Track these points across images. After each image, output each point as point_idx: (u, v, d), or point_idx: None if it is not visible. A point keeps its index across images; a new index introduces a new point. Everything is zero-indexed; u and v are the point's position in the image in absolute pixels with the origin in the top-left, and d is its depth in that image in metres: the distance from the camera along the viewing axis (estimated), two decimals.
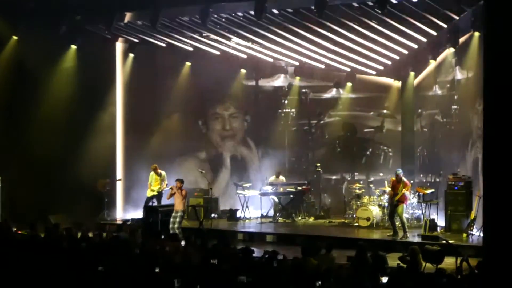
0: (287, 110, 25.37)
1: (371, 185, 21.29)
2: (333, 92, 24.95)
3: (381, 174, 23.42)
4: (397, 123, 23.91)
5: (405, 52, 20.95)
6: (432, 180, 21.51)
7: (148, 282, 9.34)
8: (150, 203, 20.57)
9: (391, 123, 24.17)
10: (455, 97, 20.10)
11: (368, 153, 24.32)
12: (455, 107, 20.21)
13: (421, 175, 22.47)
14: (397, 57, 21.49)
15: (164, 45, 23.06)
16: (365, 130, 24.61)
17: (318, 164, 23.65)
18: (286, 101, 25.30)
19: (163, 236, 15.92)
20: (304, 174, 24.55)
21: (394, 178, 18.45)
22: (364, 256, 11.93)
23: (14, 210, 20.14)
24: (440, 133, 21.41)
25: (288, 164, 25.07)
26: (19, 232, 16.46)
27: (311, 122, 25.09)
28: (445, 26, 18.60)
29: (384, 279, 9.78)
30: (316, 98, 25.16)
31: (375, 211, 20.23)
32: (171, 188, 18.67)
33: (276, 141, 24.99)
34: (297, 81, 24.93)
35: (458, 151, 19.81)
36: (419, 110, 22.75)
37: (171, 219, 18.42)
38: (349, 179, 24.21)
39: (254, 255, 12.62)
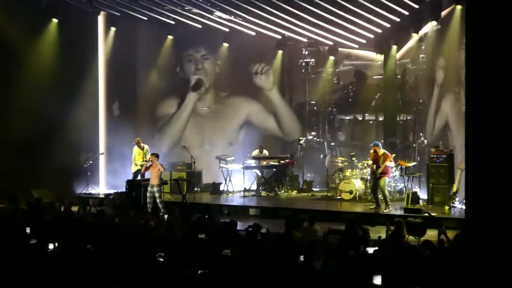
0: None
1: (354, 159, 21.26)
2: None
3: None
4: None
5: (387, 25, 20.92)
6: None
7: (132, 256, 9.30)
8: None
9: None
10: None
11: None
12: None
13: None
14: (379, 31, 21.44)
15: (145, 18, 22.91)
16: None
17: (301, 138, 23.60)
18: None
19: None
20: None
21: (372, 151, 18.42)
22: (354, 229, 11.97)
23: None
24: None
25: None
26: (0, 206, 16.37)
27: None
28: None
29: (370, 250, 9.81)
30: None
31: (358, 184, 20.26)
32: (150, 161, 18.52)
33: None
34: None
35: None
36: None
37: (148, 194, 18.25)
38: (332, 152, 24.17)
39: (237, 228, 12.61)
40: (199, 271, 8.45)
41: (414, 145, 22.16)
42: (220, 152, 23.67)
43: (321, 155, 23.81)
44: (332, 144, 24.34)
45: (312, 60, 24.35)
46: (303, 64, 24.45)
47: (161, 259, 9.31)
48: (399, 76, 22.49)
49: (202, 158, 23.79)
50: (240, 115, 24.96)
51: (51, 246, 10.15)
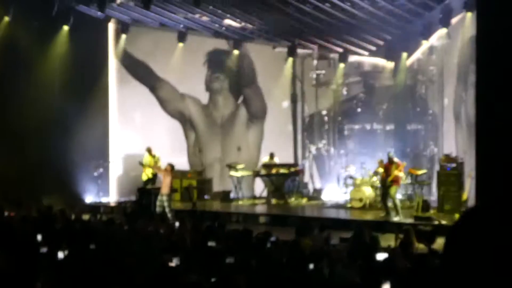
0: None
1: (364, 166, 21.26)
2: None
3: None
4: None
5: (397, 32, 20.95)
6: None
7: (142, 264, 9.36)
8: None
9: None
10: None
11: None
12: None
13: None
14: (389, 37, 21.47)
15: (157, 25, 23.03)
16: None
17: (311, 146, 23.64)
18: None
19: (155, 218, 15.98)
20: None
21: (381, 160, 18.44)
22: (362, 237, 11.97)
23: (6, 191, 20.09)
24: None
25: None
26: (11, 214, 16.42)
27: None
28: (437, 6, 18.60)
29: (379, 257, 9.83)
30: None
31: (368, 192, 20.26)
32: (163, 169, 18.65)
33: None
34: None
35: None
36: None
37: (157, 203, 18.30)
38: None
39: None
40: (210, 279, 8.49)
41: (425, 153, 22.13)
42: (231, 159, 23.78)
43: (331, 163, 23.83)
44: (342, 152, 24.33)
45: (323, 71, 24.32)
46: (313, 74, 24.47)
47: (172, 267, 9.36)
48: (409, 84, 22.51)
49: (213, 165, 23.88)
50: None
51: (61, 255, 10.21)
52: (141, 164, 20.62)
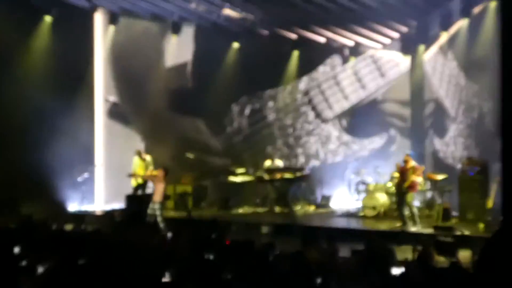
0: None
1: (378, 171, 21.21)
2: None
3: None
4: None
5: (414, 23, 20.94)
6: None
7: (133, 279, 9.30)
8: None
9: None
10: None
11: None
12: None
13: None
14: (405, 29, 21.46)
15: (148, 16, 22.98)
16: None
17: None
18: None
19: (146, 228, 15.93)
20: None
21: (399, 164, 18.37)
22: (376, 249, 11.90)
23: None
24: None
25: None
26: None
27: None
28: None
29: (395, 271, 9.77)
30: None
31: (383, 199, 20.21)
32: (154, 175, 18.49)
33: None
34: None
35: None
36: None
37: (149, 211, 17.98)
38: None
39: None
40: None
41: (444, 155, 22.10)
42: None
43: (342, 167, 23.80)
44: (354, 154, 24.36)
45: (333, 62, 24.37)
46: (323, 66, 24.51)
47: (165, 282, 9.32)
48: (427, 79, 22.48)
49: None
50: None
51: (41, 269, 10.15)
52: (131, 175, 20.57)
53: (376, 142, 24.53)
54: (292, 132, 25.28)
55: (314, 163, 24.47)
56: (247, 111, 25.18)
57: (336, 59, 24.61)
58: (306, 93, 25.23)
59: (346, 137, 24.94)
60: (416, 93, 22.61)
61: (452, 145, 21.79)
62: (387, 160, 22.86)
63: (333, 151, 24.89)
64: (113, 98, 23.83)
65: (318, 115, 25.17)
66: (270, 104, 25.34)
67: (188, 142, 24.39)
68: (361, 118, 24.46)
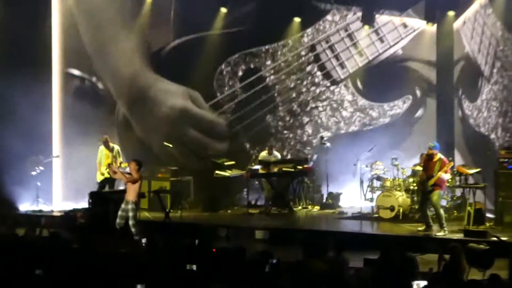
0: None
1: (396, 164, 21.20)
2: None
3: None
4: None
5: None
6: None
7: None
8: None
9: None
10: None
11: None
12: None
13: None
14: None
15: None
16: None
17: (324, 136, 23.60)
18: None
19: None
20: None
21: (425, 155, 18.41)
22: (393, 259, 11.96)
23: None
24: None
25: None
26: None
27: None
28: None
29: (416, 285, 9.84)
30: None
31: (402, 198, 20.26)
32: (127, 173, 18.37)
33: None
34: None
35: None
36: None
37: (120, 212, 17.84)
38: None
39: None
40: None
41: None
42: None
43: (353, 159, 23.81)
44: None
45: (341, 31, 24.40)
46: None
47: None
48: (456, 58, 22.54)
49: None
50: None
51: None
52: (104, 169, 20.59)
53: (399, 107, 24.45)
54: (296, 97, 25.14)
55: (324, 134, 24.32)
56: (240, 72, 25.02)
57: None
58: (311, 48, 25.09)
59: (362, 102, 24.83)
60: (444, 48, 22.60)
61: (484, 110, 21.80)
62: (407, 150, 22.89)
63: (347, 119, 24.78)
64: (78, 73, 23.81)
65: (326, 75, 25.01)
66: (268, 63, 25.20)
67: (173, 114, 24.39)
68: (379, 79, 24.32)
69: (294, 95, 25.27)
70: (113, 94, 24.22)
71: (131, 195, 17.87)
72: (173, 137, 23.57)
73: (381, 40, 24.29)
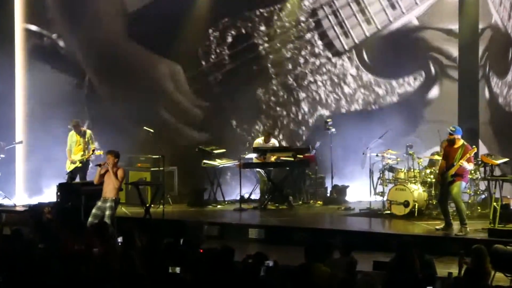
0: None
1: (411, 152, 21.15)
2: None
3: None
4: None
5: None
6: None
7: None
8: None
9: None
10: None
11: None
12: None
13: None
14: None
15: None
16: None
17: (329, 120, 23.54)
18: None
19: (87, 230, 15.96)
20: None
21: (446, 142, 18.38)
22: (408, 261, 11.96)
23: None
24: None
25: None
26: None
27: None
28: None
29: None
30: None
31: (417, 192, 20.27)
32: (101, 165, 18.16)
33: None
34: None
35: None
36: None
37: (94, 210, 17.81)
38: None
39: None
40: None
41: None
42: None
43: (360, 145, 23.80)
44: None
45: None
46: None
47: None
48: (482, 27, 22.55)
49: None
50: None
51: None
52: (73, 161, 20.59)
53: (410, 84, 24.40)
54: (292, 69, 25.08)
55: (322, 112, 24.35)
56: (229, 38, 24.94)
57: None
58: (312, 13, 25.03)
59: (367, 77, 24.77)
60: (468, 17, 22.60)
61: None
62: (422, 136, 22.89)
63: (349, 96, 24.74)
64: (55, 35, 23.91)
65: (328, 45, 24.98)
66: (262, 28, 25.16)
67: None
68: (388, 51, 24.26)
69: (290, 66, 25.17)
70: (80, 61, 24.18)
71: (110, 192, 17.72)
72: (148, 120, 23.43)
73: (393, 6, 24.16)
